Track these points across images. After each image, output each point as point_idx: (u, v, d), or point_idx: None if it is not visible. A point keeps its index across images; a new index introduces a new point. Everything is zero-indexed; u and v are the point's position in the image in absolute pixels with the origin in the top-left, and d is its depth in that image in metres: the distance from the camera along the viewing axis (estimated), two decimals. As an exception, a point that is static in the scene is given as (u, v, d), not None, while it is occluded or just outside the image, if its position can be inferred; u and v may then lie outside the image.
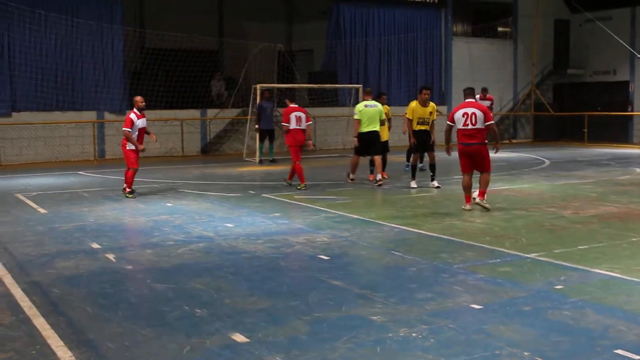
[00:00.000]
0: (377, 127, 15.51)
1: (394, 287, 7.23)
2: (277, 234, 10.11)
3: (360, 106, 15.72)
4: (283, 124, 15.27)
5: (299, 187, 14.95)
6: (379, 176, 15.59)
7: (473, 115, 11.90)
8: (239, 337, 5.72)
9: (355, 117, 15.63)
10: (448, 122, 12.32)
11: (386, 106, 16.74)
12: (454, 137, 12.20)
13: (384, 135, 16.41)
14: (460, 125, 12.00)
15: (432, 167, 15.14)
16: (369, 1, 28.03)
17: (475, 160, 12.05)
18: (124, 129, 13.85)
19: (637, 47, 29.79)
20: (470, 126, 11.89)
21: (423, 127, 14.83)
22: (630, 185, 15.54)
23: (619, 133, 29.21)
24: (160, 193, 14.70)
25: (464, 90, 12.69)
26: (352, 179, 16.06)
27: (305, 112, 15.34)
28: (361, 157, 15.95)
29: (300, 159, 15.12)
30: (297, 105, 15.50)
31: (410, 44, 29.10)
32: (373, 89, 26.66)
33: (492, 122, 12.18)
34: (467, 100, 12.27)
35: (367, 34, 28.07)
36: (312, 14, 29.54)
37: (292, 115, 15.11)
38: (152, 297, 7.03)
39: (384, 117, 15.75)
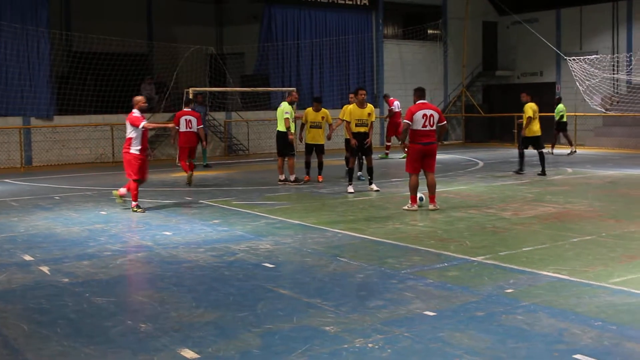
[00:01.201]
0: (279, 127, 16.39)
1: (344, 295, 7.07)
2: (218, 242, 9.86)
3: None
4: (174, 126, 16.41)
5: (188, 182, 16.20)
6: (292, 177, 16.40)
7: (431, 117, 12.24)
8: (188, 353, 5.47)
9: None
10: (406, 121, 12.32)
11: (324, 110, 16.87)
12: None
13: (320, 139, 16.54)
14: (419, 127, 12.18)
15: (370, 170, 15.04)
16: (300, 4, 27.89)
17: (429, 160, 12.32)
18: (135, 126, 12.48)
19: (563, 49, 30.40)
20: (428, 127, 12.22)
21: (362, 129, 14.54)
22: (564, 185, 15.78)
23: (546, 134, 29.67)
24: (93, 201, 14.25)
25: (416, 91, 12.73)
26: (282, 180, 16.50)
27: (197, 117, 16.82)
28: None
29: (186, 159, 16.55)
30: (189, 110, 17.05)
31: (342, 46, 29.08)
32: (305, 91, 26.87)
33: (445, 122, 12.58)
34: (422, 102, 12.44)
35: (299, 37, 27.92)
36: (243, 17, 29.25)
37: (182, 119, 16.62)
38: (93, 312, 6.70)
39: (287, 116, 16.23)
